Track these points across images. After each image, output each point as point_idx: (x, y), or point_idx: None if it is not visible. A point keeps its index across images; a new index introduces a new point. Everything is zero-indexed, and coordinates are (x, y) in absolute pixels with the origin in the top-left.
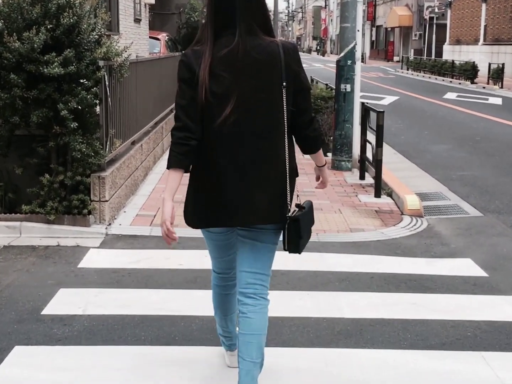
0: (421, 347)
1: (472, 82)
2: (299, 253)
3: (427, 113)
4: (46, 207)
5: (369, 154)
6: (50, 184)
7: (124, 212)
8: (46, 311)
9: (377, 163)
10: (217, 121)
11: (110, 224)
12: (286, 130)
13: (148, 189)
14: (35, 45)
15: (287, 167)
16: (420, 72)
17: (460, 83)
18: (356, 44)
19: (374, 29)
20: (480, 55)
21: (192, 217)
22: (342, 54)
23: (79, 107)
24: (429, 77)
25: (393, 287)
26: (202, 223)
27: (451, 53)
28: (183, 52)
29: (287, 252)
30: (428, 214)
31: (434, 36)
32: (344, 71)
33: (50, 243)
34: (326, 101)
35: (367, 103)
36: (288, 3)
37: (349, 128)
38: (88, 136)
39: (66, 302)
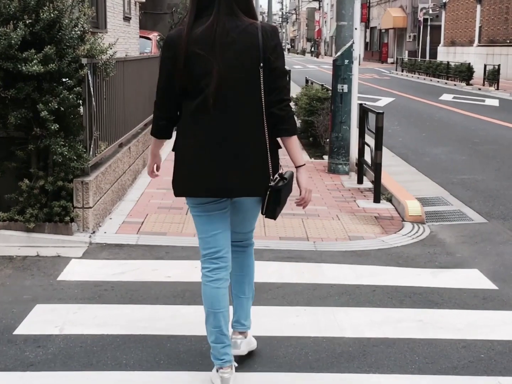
0: (431, 371)
1: (468, 84)
2: (274, 219)
3: (424, 115)
4: (25, 214)
5: (367, 157)
6: (30, 190)
7: (110, 219)
8: (19, 330)
9: (377, 167)
10: (196, 98)
11: (94, 232)
12: (264, 108)
13: (137, 194)
14: (13, 41)
15: (267, 141)
16: (415, 74)
17: (455, 85)
18: (353, 43)
19: (368, 30)
20: (475, 56)
21: (178, 184)
22: (339, 53)
23: (61, 107)
24: (424, 79)
25: (396, 302)
26: (185, 192)
27: (446, 54)
28: (170, 31)
29: (283, 263)
30: (430, 220)
31: (428, 37)
32: (341, 71)
33: (29, 253)
34: (322, 102)
35: (365, 104)
36: (282, 4)
37: (346, 130)
38: (70, 138)
39: (42, 320)
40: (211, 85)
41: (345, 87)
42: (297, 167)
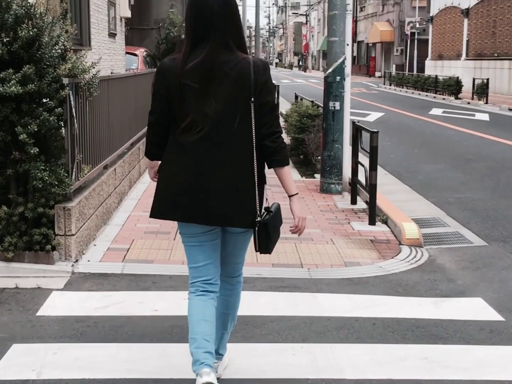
0: None
1: (456, 98)
2: (269, 253)
3: (415, 130)
4: (4, 243)
5: (361, 177)
6: (9, 217)
7: (94, 245)
8: None
9: (372, 187)
10: (187, 128)
11: (77, 260)
12: (254, 141)
13: (122, 217)
14: None
15: (255, 175)
16: (403, 88)
17: (444, 99)
18: (345, 59)
19: (355, 44)
20: (463, 70)
21: (154, 206)
22: (330, 70)
23: (41, 130)
24: (412, 93)
25: (398, 337)
26: (161, 215)
27: (434, 68)
28: (164, 59)
29: (277, 293)
30: (428, 244)
31: (415, 51)
32: (332, 88)
33: (7, 284)
34: (313, 119)
35: (358, 121)
36: (269, 19)
37: (339, 148)
38: (51, 162)
39: (18, 362)
40: (203, 117)
41: (337, 104)
42: (290, 196)
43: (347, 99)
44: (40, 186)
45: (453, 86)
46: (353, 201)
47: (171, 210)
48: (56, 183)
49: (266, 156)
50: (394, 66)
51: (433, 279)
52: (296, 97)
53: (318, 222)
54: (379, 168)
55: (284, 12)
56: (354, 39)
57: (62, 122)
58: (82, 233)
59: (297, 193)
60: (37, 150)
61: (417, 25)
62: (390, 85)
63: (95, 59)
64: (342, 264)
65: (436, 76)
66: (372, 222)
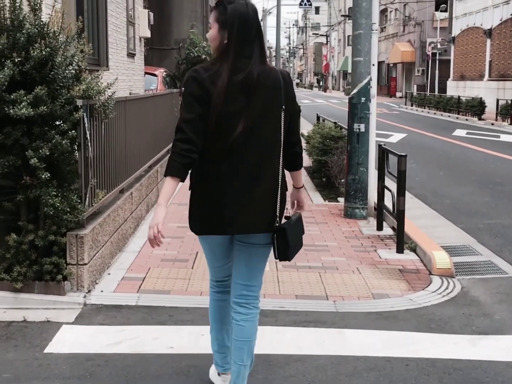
0: None
1: (480, 119)
2: (289, 260)
3: (439, 152)
4: (13, 273)
5: (387, 201)
6: (18, 245)
7: (108, 274)
8: None
9: (399, 214)
10: (227, 138)
11: (89, 291)
12: (282, 149)
13: (139, 243)
14: None
15: (280, 182)
16: (424, 108)
17: (467, 119)
18: (371, 79)
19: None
20: (486, 90)
21: (196, 224)
22: (355, 91)
23: (54, 153)
24: (435, 113)
25: (435, 381)
26: (204, 230)
27: (455, 88)
28: (193, 68)
29: (301, 329)
30: (459, 274)
31: (437, 71)
32: (357, 109)
33: (15, 317)
34: (336, 141)
35: (384, 144)
36: (289, 39)
37: (364, 172)
38: (64, 187)
39: None
40: (241, 126)
41: (362, 126)
42: (298, 188)
43: (373, 121)
44: (51, 212)
45: (476, 107)
46: (379, 227)
47: (218, 225)
48: (68, 209)
49: (292, 161)
50: (415, 86)
51: (468, 313)
52: (318, 118)
53: (343, 250)
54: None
55: (305, 33)
56: None
57: (75, 146)
58: (95, 261)
59: (303, 185)
60: (49, 175)
61: (439, 46)
62: (411, 105)
63: (112, 80)
64: (370, 296)
65: (459, 96)
66: (400, 250)
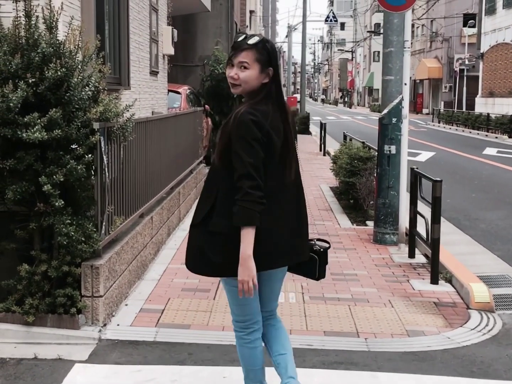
0: None
1: (510, 136)
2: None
3: (470, 172)
4: (24, 306)
5: (419, 228)
6: (30, 276)
7: (126, 305)
8: None
9: (434, 242)
10: (285, 176)
11: (105, 324)
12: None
13: (159, 270)
14: (12, 104)
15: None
16: (452, 125)
17: (496, 137)
18: (403, 99)
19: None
20: None
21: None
22: (385, 111)
23: (69, 179)
24: (463, 131)
25: None
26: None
27: (484, 105)
28: (245, 110)
29: (331, 372)
30: (499, 308)
31: (464, 88)
32: (388, 131)
33: (26, 353)
34: (365, 162)
35: (417, 168)
36: (314, 55)
37: (394, 196)
38: (79, 215)
39: None
40: (293, 165)
41: (393, 148)
42: None
43: (404, 143)
44: (65, 242)
45: (506, 125)
46: (411, 255)
47: (281, 257)
48: (83, 239)
49: None
50: (442, 103)
51: None
52: (345, 137)
53: (373, 279)
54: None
55: (330, 49)
56: None
57: (92, 171)
58: (112, 292)
59: None
60: (63, 202)
61: (467, 62)
62: (438, 122)
63: (132, 101)
64: (404, 333)
65: (488, 114)
66: (434, 281)
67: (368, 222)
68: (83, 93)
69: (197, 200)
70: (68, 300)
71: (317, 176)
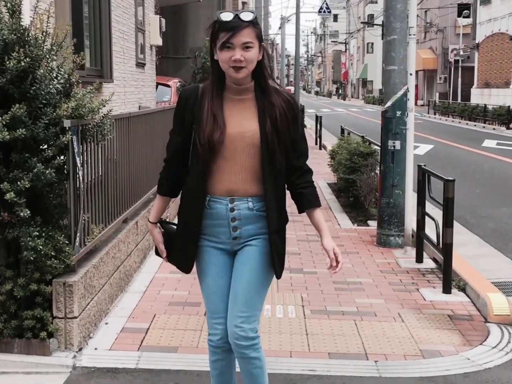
0: None
1: (508, 128)
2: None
3: (471, 165)
4: None
5: (428, 231)
6: None
7: (106, 324)
8: None
9: (447, 248)
10: None
11: (80, 349)
12: None
13: (144, 281)
14: None
15: None
16: (448, 117)
17: (494, 129)
18: (408, 91)
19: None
20: None
21: None
22: (389, 104)
23: (38, 185)
24: (459, 122)
25: None
26: None
27: (480, 96)
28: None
29: None
30: None
31: (460, 79)
32: (391, 124)
33: None
34: (365, 158)
35: (424, 165)
36: (307, 47)
37: (399, 195)
38: (50, 226)
39: None
40: None
41: (397, 143)
42: None
43: (410, 138)
44: (32, 258)
45: (504, 116)
46: (419, 259)
47: None
48: (53, 253)
49: None
50: (437, 94)
51: None
52: (343, 130)
53: (380, 288)
54: (439, 212)
55: (323, 40)
56: None
57: (64, 174)
58: (89, 311)
59: None
60: (28, 212)
61: (461, 52)
62: (434, 114)
63: (119, 92)
64: (418, 353)
65: (485, 105)
66: (447, 290)
67: (369, 222)
68: (51, 86)
69: None
70: (37, 322)
71: (314, 172)
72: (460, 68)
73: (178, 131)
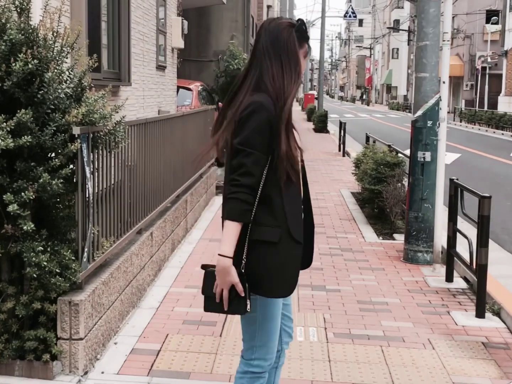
0: None
1: None
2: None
3: (500, 176)
4: None
5: (459, 248)
6: None
7: (115, 343)
8: None
9: (481, 269)
10: None
11: (86, 372)
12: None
13: (158, 296)
14: None
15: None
16: (475, 125)
17: None
18: (440, 99)
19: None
20: None
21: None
22: (419, 113)
23: (44, 196)
24: (486, 130)
25: None
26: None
27: (508, 104)
28: None
29: None
30: None
31: (487, 86)
32: (422, 135)
33: None
34: (392, 168)
35: (457, 179)
36: (332, 52)
37: (429, 209)
38: (56, 240)
39: None
40: None
41: (428, 155)
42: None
43: (442, 149)
44: (35, 275)
45: None
46: (449, 278)
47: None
48: (58, 270)
49: None
50: (463, 101)
51: None
52: (368, 138)
53: (407, 310)
54: (467, 225)
55: (348, 45)
56: None
57: (73, 185)
58: (96, 331)
59: (224, 256)
60: (32, 226)
61: (489, 59)
62: (460, 121)
63: (138, 96)
64: None
65: None
66: (480, 314)
67: (395, 236)
68: (59, 90)
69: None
70: (40, 343)
71: (336, 180)
72: (487, 75)
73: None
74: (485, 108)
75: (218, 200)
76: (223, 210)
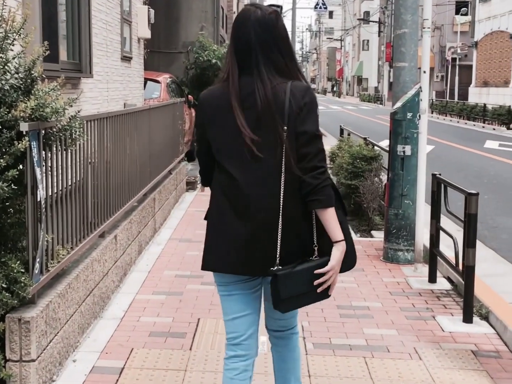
0: None
1: (508, 128)
2: (280, 311)
3: (475, 168)
4: None
5: (442, 247)
6: None
7: (74, 361)
8: None
9: (468, 271)
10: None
11: None
12: (283, 177)
13: (123, 304)
14: None
15: (280, 215)
16: (446, 116)
17: (494, 129)
18: (421, 90)
19: (392, 70)
20: None
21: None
22: (398, 104)
23: None
24: (458, 122)
25: None
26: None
27: (478, 95)
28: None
29: None
30: None
31: (457, 77)
32: (401, 128)
33: None
34: (369, 162)
35: (439, 174)
36: (302, 44)
37: (409, 205)
38: (2, 251)
39: None
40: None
41: (408, 148)
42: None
43: (423, 143)
44: None
45: (504, 116)
46: (432, 279)
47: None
48: (4, 285)
49: (302, 192)
50: (433, 92)
51: None
52: (342, 131)
53: (390, 316)
54: (447, 221)
55: (318, 37)
56: (391, 64)
57: (22, 187)
58: (51, 350)
59: (342, 240)
60: None
61: (459, 51)
62: (431, 112)
63: (101, 88)
64: None
65: (485, 104)
66: (467, 318)
67: (373, 232)
68: (3, 81)
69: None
70: None
71: None
72: (457, 67)
73: None
74: (456, 99)
75: (189, 197)
76: (315, 199)
